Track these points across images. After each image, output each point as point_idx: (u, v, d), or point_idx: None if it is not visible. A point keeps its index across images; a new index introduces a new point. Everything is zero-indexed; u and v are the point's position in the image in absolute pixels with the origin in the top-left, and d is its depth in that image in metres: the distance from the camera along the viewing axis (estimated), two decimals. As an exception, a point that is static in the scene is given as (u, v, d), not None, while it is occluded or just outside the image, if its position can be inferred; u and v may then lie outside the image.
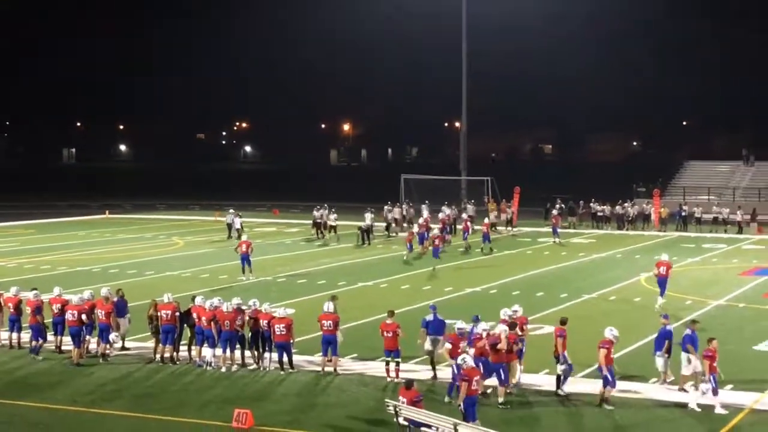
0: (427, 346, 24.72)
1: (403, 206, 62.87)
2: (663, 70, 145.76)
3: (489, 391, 22.39)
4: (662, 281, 34.61)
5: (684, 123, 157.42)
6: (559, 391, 22.69)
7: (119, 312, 27.51)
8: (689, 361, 22.36)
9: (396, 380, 23.82)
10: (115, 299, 27.68)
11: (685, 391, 22.36)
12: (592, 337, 23.88)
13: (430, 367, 24.71)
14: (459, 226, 57.16)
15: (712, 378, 21.34)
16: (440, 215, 57.40)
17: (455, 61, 77.57)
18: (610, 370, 21.72)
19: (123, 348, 27.76)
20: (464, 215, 56.96)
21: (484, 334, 22.68)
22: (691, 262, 47.51)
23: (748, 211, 63.02)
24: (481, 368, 21.98)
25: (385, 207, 60.97)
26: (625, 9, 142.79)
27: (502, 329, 22.68)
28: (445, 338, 22.76)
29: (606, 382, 21.73)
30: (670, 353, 23.29)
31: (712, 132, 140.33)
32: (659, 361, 23.45)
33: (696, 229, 62.57)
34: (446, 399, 22.09)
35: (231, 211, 59.27)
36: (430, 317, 25.12)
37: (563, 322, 23.44)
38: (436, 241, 43.77)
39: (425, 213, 56.61)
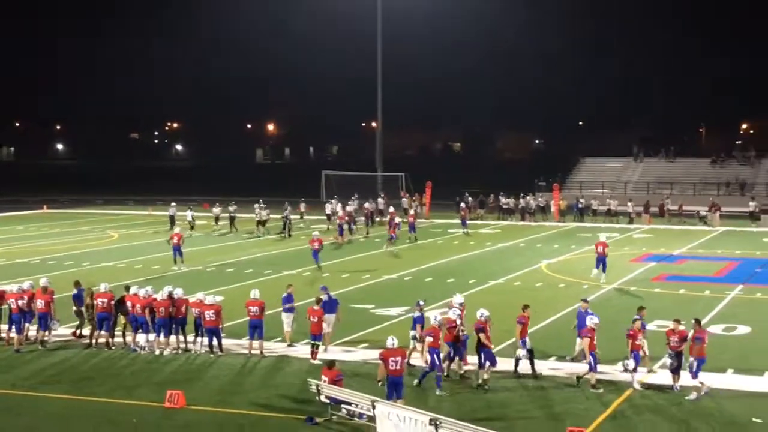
0: (323, 326, 25.00)
1: (355, 202, 61.95)
2: (563, 74, 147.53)
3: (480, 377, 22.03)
4: (601, 258, 36.55)
5: (580, 123, 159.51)
6: (517, 371, 22.64)
7: (80, 301, 27.26)
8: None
9: (314, 362, 23.88)
10: (75, 291, 27.51)
11: (652, 372, 22.58)
12: (498, 320, 24.09)
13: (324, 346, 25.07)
14: (379, 218, 57.15)
15: (633, 355, 21.57)
16: (348, 208, 56.06)
17: (371, 65, 77.66)
18: (593, 355, 21.60)
19: (81, 335, 27.30)
20: (391, 208, 56.91)
21: (458, 321, 22.55)
22: (587, 249, 48.02)
23: (639, 203, 64.06)
24: (452, 352, 22.38)
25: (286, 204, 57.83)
26: (525, 18, 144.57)
27: (485, 314, 22.35)
28: (427, 331, 22.12)
29: (590, 368, 21.57)
30: None
31: (605, 131, 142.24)
32: (579, 340, 23.54)
33: (592, 219, 63.48)
34: (437, 392, 21.33)
35: (173, 204, 58.80)
36: (325, 297, 25.54)
37: (524, 308, 23.41)
38: (315, 245, 39.88)
39: (340, 208, 56.08)
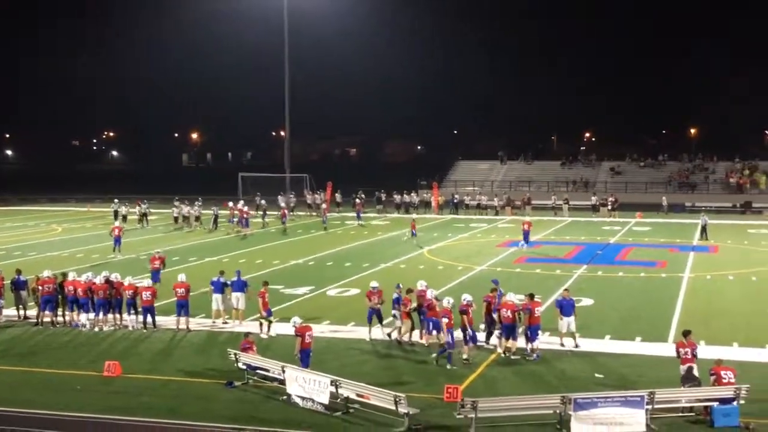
0: (234, 302, 25.06)
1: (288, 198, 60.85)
2: (439, 89, 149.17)
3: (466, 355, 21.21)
4: (526, 234, 42.87)
5: (455, 131, 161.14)
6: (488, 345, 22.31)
7: (18, 287, 26.55)
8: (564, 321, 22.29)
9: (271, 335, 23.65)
10: (15, 277, 26.73)
11: (563, 345, 22.25)
12: (388, 296, 24.22)
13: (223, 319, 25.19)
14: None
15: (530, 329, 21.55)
16: (240, 205, 53.69)
17: (280, 81, 76.87)
18: (532, 328, 21.39)
19: (26, 317, 26.46)
20: (282, 204, 56.31)
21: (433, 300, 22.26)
22: (461, 237, 48.73)
23: (503, 198, 65.15)
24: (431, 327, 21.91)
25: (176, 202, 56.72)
26: (408, 39, 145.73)
27: (468, 298, 21.64)
28: (442, 312, 21.19)
29: (529, 338, 21.40)
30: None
31: (475, 138, 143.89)
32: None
33: (465, 212, 64.19)
34: (447, 366, 20.51)
35: (116, 200, 57.80)
36: (235, 278, 25.40)
37: (491, 291, 22.90)
38: (156, 263, 31.63)
39: (240, 204, 55.02)
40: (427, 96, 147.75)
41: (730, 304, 28.35)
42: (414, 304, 23.00)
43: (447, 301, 21.57)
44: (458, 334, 21.29)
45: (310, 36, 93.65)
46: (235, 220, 51.71)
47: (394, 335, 23.11)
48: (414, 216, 50.47)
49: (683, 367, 17.93)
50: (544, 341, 22.21)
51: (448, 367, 20.50)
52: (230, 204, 54.40)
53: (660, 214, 60.56)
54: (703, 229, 46.80)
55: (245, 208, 52.19)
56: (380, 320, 23.42)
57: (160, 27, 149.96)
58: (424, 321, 22.61)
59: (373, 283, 23.95)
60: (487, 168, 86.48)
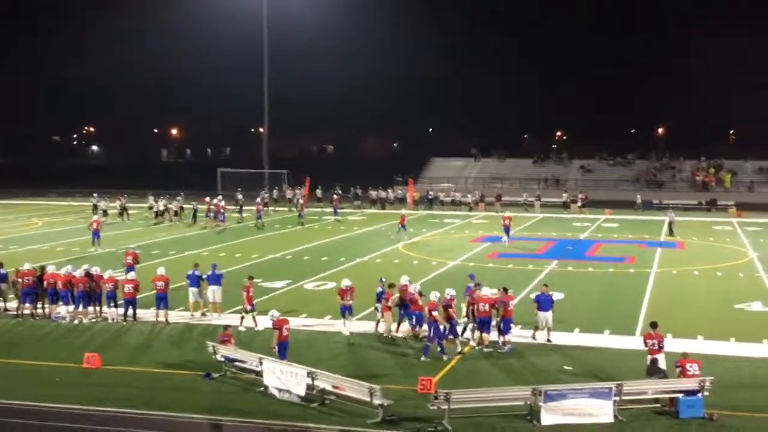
0: (210, 296, 24.97)
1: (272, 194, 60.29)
2: (414, 89, 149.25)
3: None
4: (506, 228, 43.17)
5: (430, 129, 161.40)
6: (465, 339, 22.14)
7: (1, 279, 26.34)
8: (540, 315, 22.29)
9: (241, 328, 23.55)
10: None
11: (534, 338, 22.38)
12: (361, 291, 24.25)
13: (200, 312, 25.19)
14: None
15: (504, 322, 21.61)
16: (215, 200, 52.91)
17: (259, 79, 76.70)
18: (505, 320, 21.46)
19: (6, 309, 26.24)
20: (258, 200, 55.97)
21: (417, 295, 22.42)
22: (435, 233, 48.79)
23: (476, 195, 65.30)
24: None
25: (151, 197, 57.08)
26: (384, 43, 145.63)
27: (451, 293, 21.61)
28: (430, 306, 21.15)
29: (501, 331, 21.43)
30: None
31: (450, 136, 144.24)
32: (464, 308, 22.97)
33: (439, 208, 64.24)
34: (422, 358, 20.53)
35: (95, 195, 57.25)
36: (210, 272, 25.27)
37: (475, 284, 22.80)
38: (129, 258, 30.07)
39: (217, 199, 54.37)
40: (403, 94, 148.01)
41: (696, 299, 28.64)
42: (395, 296, 23.01)
43: (434, 295, 21.54)
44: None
45: (289, 34, 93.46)
46: (212, 214, 51.40)
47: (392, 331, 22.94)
48: (404, 211, 50.30)
49: (648, 358, 18.11)
50: (516, 334, 22.33)
51: (423, 358, 20.54)
52: (207, 199, 54.14)
53: (631, 211, 61.03)
54: (670, 225, 47.30)
55: (222, 203, 51.87)
56: (350, 315, 23.40)
57: (142, 24, 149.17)
58: (406, 315, 22.71)
59: (345, 282, 23.70)
60: (461, 165, 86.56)
